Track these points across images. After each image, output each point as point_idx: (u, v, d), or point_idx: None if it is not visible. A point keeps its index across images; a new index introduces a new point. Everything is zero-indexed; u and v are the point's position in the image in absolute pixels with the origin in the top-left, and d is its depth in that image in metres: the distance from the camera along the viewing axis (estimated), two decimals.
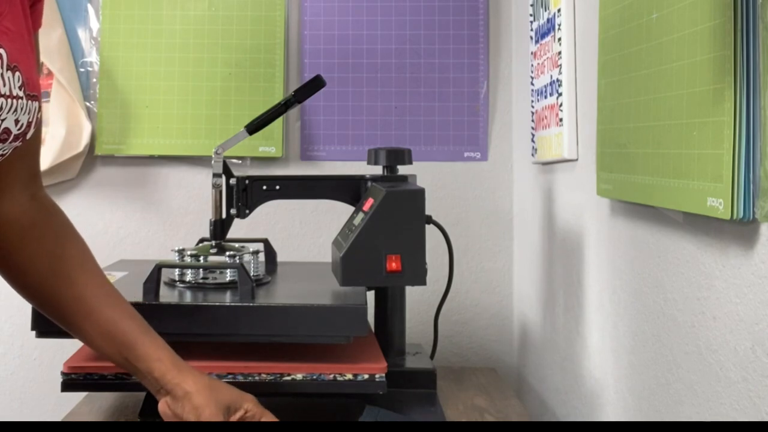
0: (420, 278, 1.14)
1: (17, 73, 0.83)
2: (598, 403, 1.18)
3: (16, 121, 0.84)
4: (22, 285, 1.01)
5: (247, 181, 1.29)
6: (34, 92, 0.87)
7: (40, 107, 0.90)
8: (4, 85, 0.81)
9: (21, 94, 0.84)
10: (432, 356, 1.34)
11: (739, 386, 0.78)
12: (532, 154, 1.51)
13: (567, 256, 1.33)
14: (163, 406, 0.99)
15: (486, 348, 1.74)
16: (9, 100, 0.82)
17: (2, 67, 0.81)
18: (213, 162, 1.26)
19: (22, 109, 0.84)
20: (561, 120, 1.29)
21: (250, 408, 1.00)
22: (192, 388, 0.97)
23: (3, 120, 0.82)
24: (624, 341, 1.08)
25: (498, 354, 1.74)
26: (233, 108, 1.70)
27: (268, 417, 1.01)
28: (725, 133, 0.75)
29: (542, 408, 1.48)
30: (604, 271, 1.15)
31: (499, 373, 1.54)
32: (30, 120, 0.87)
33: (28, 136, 0.89)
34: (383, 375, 1.13)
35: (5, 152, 0.87)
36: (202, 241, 1.35)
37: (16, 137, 0.86)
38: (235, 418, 0.99)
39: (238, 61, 1.70)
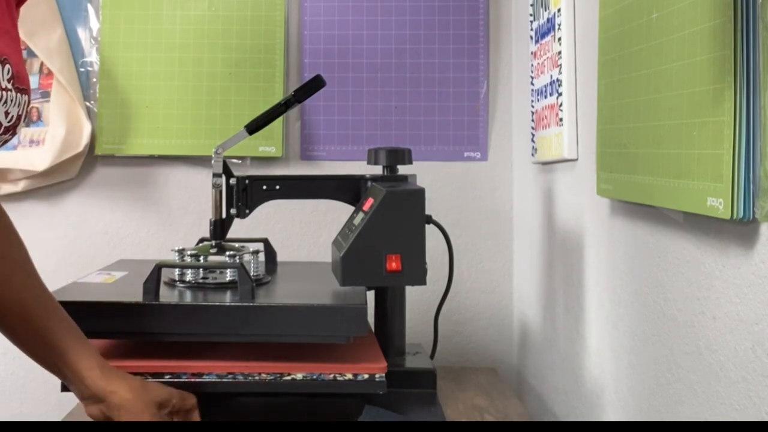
0: (420, 278, 1.14)
1: (6, 66, 0.84)
2: (598, 403, 1.18)
3: (6, 113, 0.85)
4: None
5: (247, 181, 1.29)
6: (23, 85, 0.88)
7: (29, 101, 0.90)
8: None
9: (10, 86, 0.84)
10: (432, 356, 1.34)
11: (739, 386, 0.78)
12: (532, 154, 1.51)
13: (567, 256, 1.33)
14: (97, 412, 1.01)
15: (486, 348, 1.74)
16: None
17: None
18: (213, 162, 1.26)
19: (11, 101, 0.85)
20: (561, 120, 1.29)
21: (175, 403, 1.05)
22: (128, 395, 1.01)
23: None
24: (624, 341, 1.08)
25: (498, 354, 1.74)
26: (233, 108, 1.70)
27: (194, 414, 1.07)
28: (725, 133, 0.75)
29: (542, 408, 1.48)
30: (604, 271, 1.15)
31: (499, 373, 1.54)
32: (20, 113, 0.88)
33: (18, 128, 0.89)
34: (383, 375, 1.13)
35: None
36: (202, 241, 1.35)
37: (6, 129, 0.86)
38: (165, 413, 1.04)
39: (238, 61, 1.70)
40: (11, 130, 0.87)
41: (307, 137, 1.73)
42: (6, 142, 0.89)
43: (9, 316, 1.00)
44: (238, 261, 1.18)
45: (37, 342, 1.00)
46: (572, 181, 1.30)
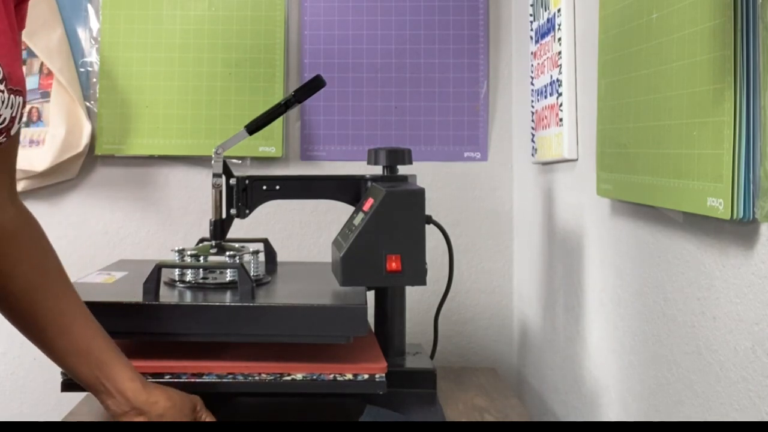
0: (420, 278, 1.14)
1: None
2: (598, 403, 1.18)
3: None
4: (3, 289, 1.00)
5: (247, 181, 1.29)
6: (17, 87, 0.87)
7: (24, 103, 0.90)
8: None
9: (2, 88, 0.84)
10: (432, 356, 1.34)
11: (739, 386, 0.78)
12: (532, 154, 1.51)
13: (567, 256, 1.33)
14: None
15: (486, 348, 1.74)
16: None
17: None
18: (213, 162, 1.26)
19: (3, 102, 0.84)
20: (561, 120, 1.29)
21: (199, 408, 1.06)
22: (167, 403, 1.01)
23: None
24: (624, 341, 1.08)
25: (498, 354, 1.74)
26: (233, 108, 1.70)
27: (208, 415, 1.08)
28: (725, 133, 0.75)
29: (542, 408, 1.48)
30: (604, 271, 1.15)
31: (499, 373, 1.54)
32: (14, 115, 0.87)
33: (12, 131, 0.88)
34: (383, 375, 1.13)
35: None
36: (202, 241, 1.35)
37: (0, 132, 0.86)
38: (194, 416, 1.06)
39: (238, 61, 1.70)
40: (4, 132, 0.87)
41: (307, 137, 1.72)
42: (1, 144, 0.89)
43: (49, 330, 1.00)
44: (238, 261, 1.18)
45: (77, 355, 1.00)
46: (572, 181, 1.30)
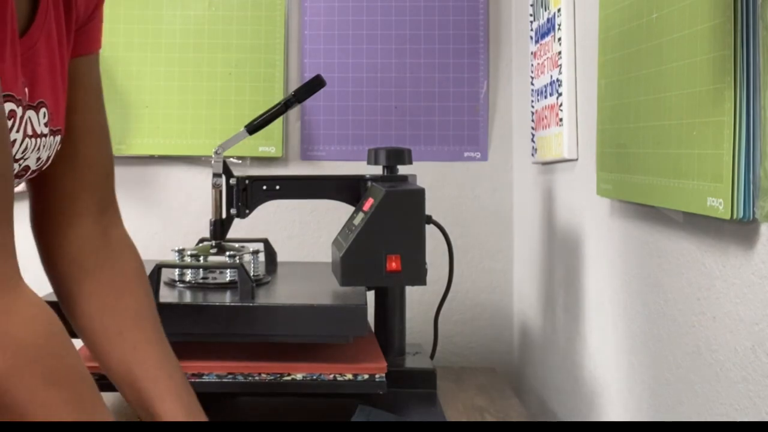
0: (420, 278, 1.14)
1: (42, 110, 0.80)
2: (598, 403, 1.18)
3: (38, 159, 0.82)
4: (76, 326, 0.92)
5: (247, 181, 1.29)
6: (57, 126, 0.84)
7: (61, 140, 0.86)
8: (30, 124, 0.78)
9: (45, 131, 0.81)
10: (432, 356, 1.34)
11: (739, 386, 0.78)
12: (532, 154, 1.51)
13: (567, 256, 1.33)
14: None
15: (486, 348, 1.74)
16: (34, 140, 0.79)
17: (25, 108, 0.77)
18: (213, 162, 1.26)
19: (45, 146, 0.82)
20: (561, 120, 1.29)
21: None
22: None
23: (26, 159, 0.79)
24: (624, 341, 1.08)
25: (498, 354, 1.74)
26: (233, 108, 1.70)
27: None
28: (725, 133, 0.75)
29: (542, 408, 1.48)
30: (604, 271, 1.15)
31: (499, 373, 1.54)
32: (49, 155, 0.84)
33: (44, 167, 0.85)
34: (383, 375, 1.13)
35: (18, 185, 0.82)
36: (202, 241, 1.35)
37: (33, 172, 0.84)
38: None
39: (238, 61, 1.70)
40: (37, 171, 0.84)
41: (307, 137, 1.73)
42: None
43: (114, 377, 0.91)
44: (238, 261, 1.18)
45: (138, 405, 0.90)
46: (572, 181, 1.30)
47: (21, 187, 0.88)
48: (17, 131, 0.76)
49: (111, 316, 0.91)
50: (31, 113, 0.79)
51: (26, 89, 0.78)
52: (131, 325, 0.91)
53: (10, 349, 0.66)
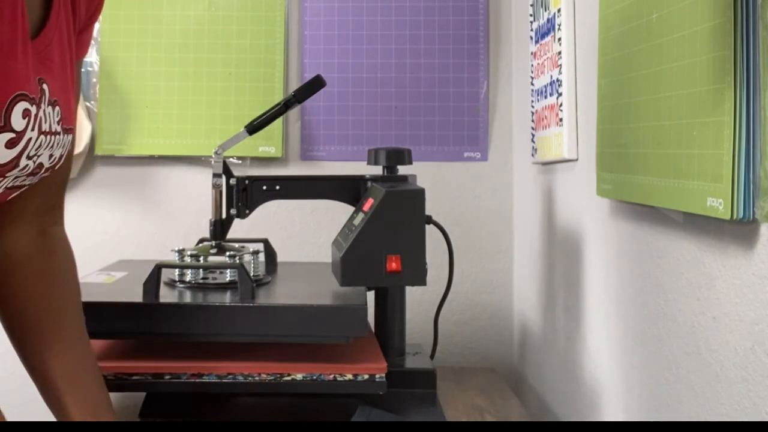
0: (420, 278, 1.14)
1: (57, 108, 0.82)
2: (598, 403, 1.18)
3: (50, 156, 0.83)
4: (2, 316, 0.96)
5: (247, 181, 1.29)
6: (69, 125, 0.86)
7: (73, 139, 0.88)
8: (45, 122, 0.79)
9: (59, 129, 0.83)
10: (432, 356, 1.34)
11: (739, 386, 0.78)
12: (532, 154, 1.51)
13: (567, 256, 1.33)
14: None
15: (486, 348, 1.74)
16: (48, 137, 0.80)
17: (45, 103, 0.79)
18: (213, 162, 1.26)
19: (58, 143, 0.83)
20: (561, 120, 1.29)
21: None
22: None
23: (39, 156, 0.80)
24: (624, 341, 1.08)
25: (498, 354, 1.74)
26: (233, 108, 1.70)
27: None
28: (725, 133, 0.75)
29: (542, 408, 1.48)
30: (604, 271, 1.15)
31: (499, 373, 1.54)
32: (62, 153, 0.86)
33: (57, 166, 0.87)
34: (383, 375, 1.13)
35: (33, 182, 0.85)
36: (202, 241, 1.35)
37: (47, 170, 0.85)
38: None
39: (238, 61, 1.70)
40: (50, 169, 0.85)
41: (307, 137, 1.73)
42: (44, 177, 0.87)
43: (32, 372, 0.96)
44: (238, 261, 1.18)
45: (53, 403, 0.95)
46: (572, 181, 1.30)
47: None
48: (32, 129, 0.77)
49: (36, 310, 0.94)
50: (48, 110, 0.80)
51: (45, 86, 0.79)
52: (54, 321, 0.94)
53: None
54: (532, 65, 1.51)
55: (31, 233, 0.95)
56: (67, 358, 0.95)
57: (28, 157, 0.78)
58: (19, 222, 0.94)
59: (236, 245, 1.26)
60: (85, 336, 0.98)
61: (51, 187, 0.94)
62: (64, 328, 0.95)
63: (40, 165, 0.82)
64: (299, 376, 1.13)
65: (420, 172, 1.35)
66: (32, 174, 0.82)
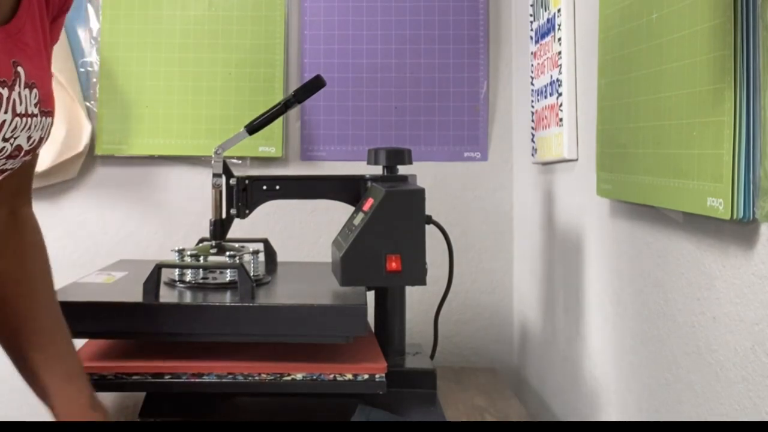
0: (420, 278, 1.14)
1: (34, 90, 0.83)
2: (598, 403, 1.18)
3: (29, 138, 0.84)
4: None
5: (247, 181, 1.29)
6: (48, 108, 0.87)
7: (52, 122, 0.90)
8: (21, 104, 0.81)
9: (36, 111, 0.84)
10: (432, 356, 1.34)
11: (739, 386, 0.78)
12: (532, 154, 1.51)
13: (567, 256, 1.32)
14: None
15: (486, 348, 1.74)
16: (24, 119, 0.82)
17: (20, 86, 0.80)
18: (213, 162, 1.26)
19: (35, 126, 0.85)
20: (561, 120, 1.29)
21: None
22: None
23: (16, 138, 0.82)
24: (624, 341, 1.08)
25: (498, 354, 1.74)
26: (233, 108, 1.70)
27: None
28: (725, 133, 0.75)
29: (542, 408, 1.48)
30: (604, 271, 1.15)
31: (499, 373, 1.54)
32: (42, 135, 0.87)
33: (38, 150, 0.89)
34: (383, 375, 1.13)
35: (14, 167, 0.87)
36: (202, 241, 1.35)
37: (27, 152, 0.86)
38: None
39: (238, 61, 1.70)
40: (31, 152, 0.87)
41: (307, 137, 1.72)
42: (24, 161, 0.88)
43: (8, 336, 0.98)
44: (238, 261, 1.18)
45: (27, 371, 0.97)
46: (572, 181, 1.30)
47: None
48: (5, 112, 0.78)
49: (12, 281, 0.97)
50: (25, 92, 0.81)
51: (20, 69, 0.81)
52: (27, 291, 0.98)
53: None
54: (532, 65, 1.51)
55: (3, 214, 0.98)
56: (38, 321, 0.97)
57: (5, 140, 0.80)
58: None
59: (236, 245, 1.26)
60: (55, 304, 1.00)
61: (21, 172, 0.97)
62: (38, 296, 0.98)
63: (19, 147, 0.83)
64: (299, 376, 1.13)
65: (420, 172, 1.35)
66: (11, 156, 0.83)
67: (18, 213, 1.01)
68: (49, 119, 0.88)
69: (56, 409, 0.95)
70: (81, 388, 0.97)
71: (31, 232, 1.02)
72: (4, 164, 0.84)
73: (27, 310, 0.97)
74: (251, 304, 1.11)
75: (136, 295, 1.12)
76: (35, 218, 1.04)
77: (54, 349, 0.97)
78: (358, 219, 1.16)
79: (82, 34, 1.71)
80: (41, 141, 0.88)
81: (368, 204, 1.17)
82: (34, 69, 0.84)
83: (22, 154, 0.85)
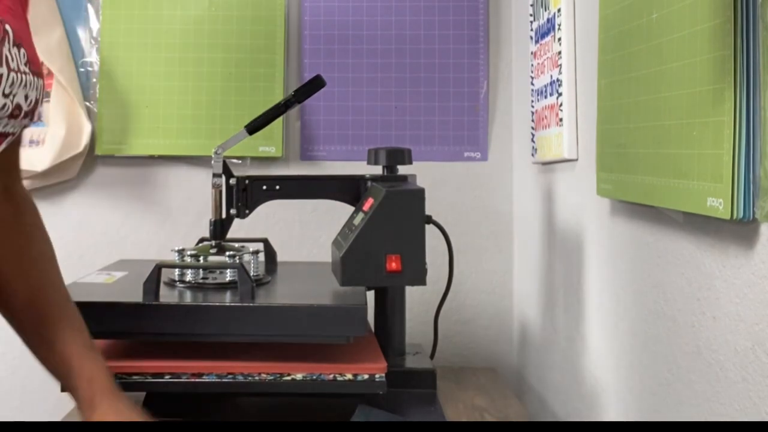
0: (420, 278, 1.14)
1: (22, 50, 0.84)
2: (598, 403, 1.18)
3: (26, 97, 0.85)
4: None
5: (247, 181, 1.29)
6: (36, 69, 0.88)
7: (44, 85, 0.91)
8: (12, 60, 0.82)
9: (27, 70, 0.85)
10: (432, 356, 1.34)
11: (739, 386, 0.78)
12: (532, 154, 1.51)
13: (567, 256, 1.33)
14: None
15: (486, 348, 1.74)
16: (18, 75, 0.83)
17: (9, 43, 0.81)
18: (213, 162, 1.26)
19: (30, 84, 0.85)
20: (561, 120, 1.29)
21: None
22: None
23: (14, 95, 0.83)
24: (624, 341, 1.08)
25: (498, 354, 1.74)
26: (233, 108, 1.70)
27: None
28: (725, 133, 0.75)
29: (542, 408, 1.48)
30: (604, 271, 1.15)
31: (499, 373, 1.54)
32: (37, 97, 0.88)
33: (36, 114, 0.89)
34: (383, 375, 1.13)
35: (16, 130, 0.88)
36: (202, 241, 1.35)
37: (26, 114, 0.87)
38: None
39: (238, 61, 1.70)
40: (30, 114, 0.88)
41: (307, 137, 1.72)
42: (25, 127, 0.90)
43: (20, 315, 0.99)
44: (238, 261, 1.18)
45: (43, 345, 0.98)
46: (572, 181, 1.30)
47: None
48: (1, 65, 0.79)
49: (18, 259, 0.99)
50: (14, 51, 0.83)
51: (8, 27, 0.82)
52: (35, 267, 1.00)
53: None
54: (532, 65, 1.51)
55: None
56: (50, 296, 0.99)
57: (5, 95, 0.81)
58: None
59: (236, 245, 1.26)
60: (62, 280, 1.02)
61: (12, 145, 0.97)
62: (46, 272, 1.01)
63: (18, 106, 0.84)
64: (299, 376, 1.13)
65: (420, 172, 1.35)
66: (13, 116, 0.84)
67: (11, 189, 1.01)
68: (40, 80, 0.89)
69: (84, 371, 0.96)
70: (100, 359, 0.99)
71: (30, 213, 1.03)
72: (6, 126, 0.84)
73: (37, 288, 0.99)
74: (251, 304, 1.11)
75: (136, 295, 1.13)
76: (31, 198, 1.04)
77: (67, 323, 0.99)
78: (358, 219, 1.16)
79: (82, 34, 1.71)
80: (38, 103, 0.88)
81: (368, 204, 1.17)
82: (20, 30, 0.85)
83: (22, 114, 0.86)
